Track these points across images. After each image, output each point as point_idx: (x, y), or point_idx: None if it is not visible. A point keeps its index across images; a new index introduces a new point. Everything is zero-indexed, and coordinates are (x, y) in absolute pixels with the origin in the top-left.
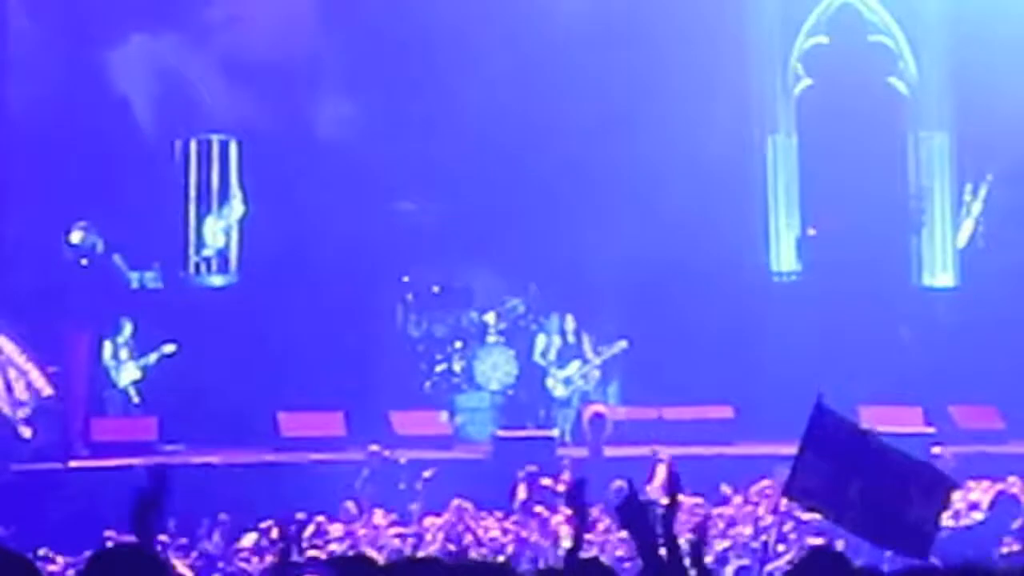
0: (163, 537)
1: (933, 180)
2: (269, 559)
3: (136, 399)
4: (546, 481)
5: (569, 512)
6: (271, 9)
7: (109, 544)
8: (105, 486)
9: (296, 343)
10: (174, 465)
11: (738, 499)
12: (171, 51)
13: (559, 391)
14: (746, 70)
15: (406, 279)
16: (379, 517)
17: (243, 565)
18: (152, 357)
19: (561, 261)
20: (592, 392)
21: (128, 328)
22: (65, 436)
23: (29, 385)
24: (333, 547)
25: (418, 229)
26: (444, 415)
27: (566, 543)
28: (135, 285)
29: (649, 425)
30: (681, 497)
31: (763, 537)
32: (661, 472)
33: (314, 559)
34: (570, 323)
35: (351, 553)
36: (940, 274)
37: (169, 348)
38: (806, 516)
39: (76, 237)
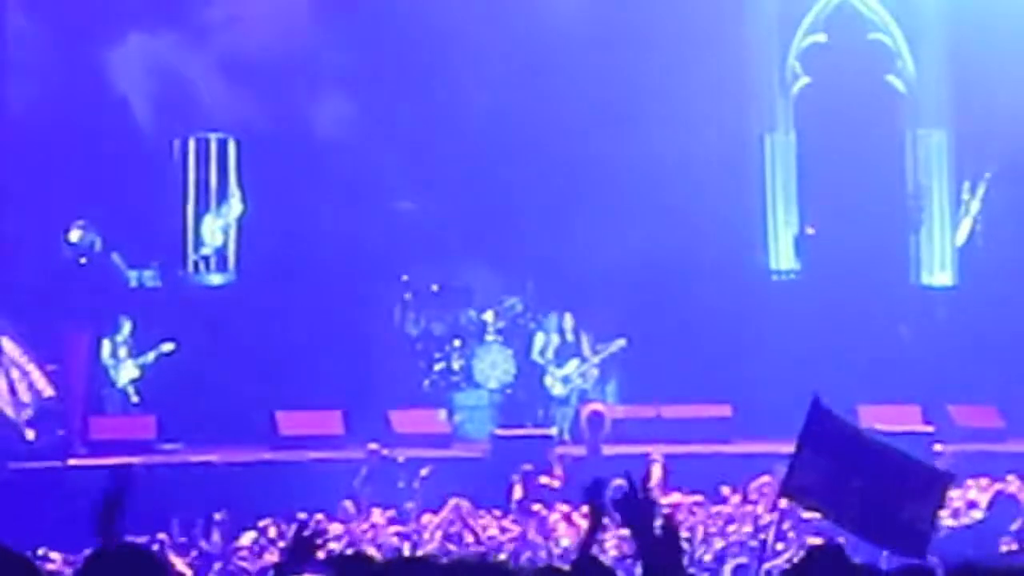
0: (162, 536)
1: (931, 178)
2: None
3: (135, 398)
4: (544, 479)
5: (566, 509)
6: (270, 9)
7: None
8: (104, 485)
9: (294, 342)
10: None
11: (736, 498)
12: (170, 50)
13: (557, 389)
14: (744, 68)
15: (405, 278)
16: (378, 515)
17: (242, 564)
18: (151, 356)
19: (559, 260)
20: (590, 390)
21: (127, 327)
22: (64, 435)
23: (31, 386)
24: (332, 545)
25: (416, 228)
26: (443, 414)
27: (564, 541)
28: (134, 284)
29: (647, 423)
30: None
31: (762, 535)
32: (656, 472)
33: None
34: (568, 322)
35: (349, 551)
36: (938, 272)
37: (168, 347)
38: (806, 515)
39: (75, 236)
